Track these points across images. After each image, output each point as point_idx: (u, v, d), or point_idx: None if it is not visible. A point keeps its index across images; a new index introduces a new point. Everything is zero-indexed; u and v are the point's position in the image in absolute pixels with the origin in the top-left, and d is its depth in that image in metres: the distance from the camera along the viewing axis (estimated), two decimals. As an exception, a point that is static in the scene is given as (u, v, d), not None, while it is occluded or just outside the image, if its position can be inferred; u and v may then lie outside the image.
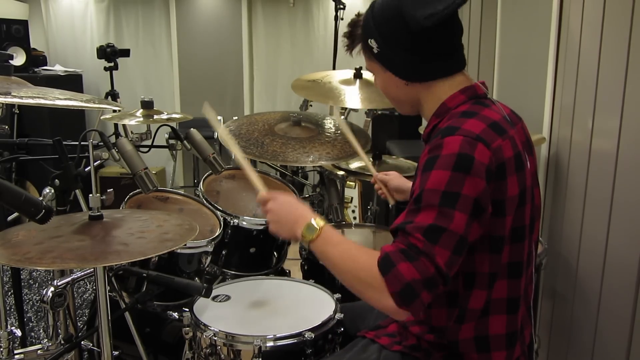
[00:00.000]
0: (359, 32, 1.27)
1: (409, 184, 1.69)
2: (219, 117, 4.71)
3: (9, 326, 1.60)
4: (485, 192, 1.08)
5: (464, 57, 1.26)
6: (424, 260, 1.02)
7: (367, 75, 2.46)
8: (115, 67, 3.86)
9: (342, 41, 1.34)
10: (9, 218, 1.98)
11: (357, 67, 2.47)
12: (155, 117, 2.20)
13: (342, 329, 1.53)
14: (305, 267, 2.02)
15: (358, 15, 1.29)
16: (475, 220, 1.07)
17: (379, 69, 1.26)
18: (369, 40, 1.23)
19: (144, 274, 1.55)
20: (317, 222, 1.18)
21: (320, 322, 1.48)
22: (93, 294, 2.61)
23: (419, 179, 1.10)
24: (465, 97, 1.21)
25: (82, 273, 1.43)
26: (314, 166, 3.09)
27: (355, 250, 1.14)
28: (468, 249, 1.09)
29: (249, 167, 1.43)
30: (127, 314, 1.66)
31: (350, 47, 1.32)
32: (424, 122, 1.33)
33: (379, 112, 3.78)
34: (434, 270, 1.02)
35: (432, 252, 1.02)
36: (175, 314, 1.59)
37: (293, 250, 2.19)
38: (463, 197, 1.05)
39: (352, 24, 1.30)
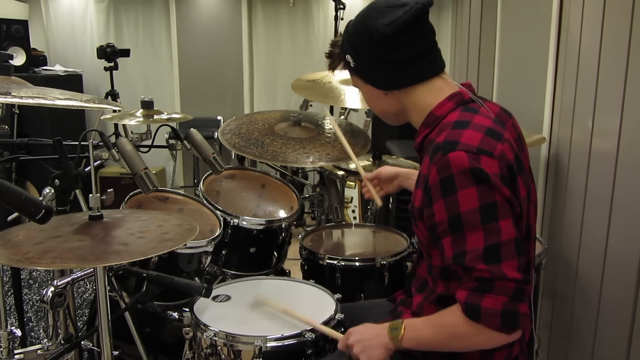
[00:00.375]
0: (337, 51, 1.32)
1: (397, 168, 1.69)
2: (219, 117, 4.72)
3: (9, 326, 1.60)
4: (511, 195, 1.10)
5: (440, 61, 1.27)
6: (499, 284, 1.05)
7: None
8: (115, 67, 3.86)
9: (324, 61, 1.40)
10: (9, 218, 1.98)
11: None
12: (155, 117, 2.20)
13: (342, 329, 1.53)
14: (305, 267, 2.02)
15: (339, 35, 1.34)
16: (518, 218, 1.12)
17: (360, 82, 1.31)
18: (346, 56, 1.28)
19: (144, 274, 1.55)
20: (396, 321, 1.21)
21: (320, 322, 1.48)
22: (93, 294, 2.61)
23: (442, 203, 1.10)
24: (453, 104, 1.22)
25: (82, 273, 1.43)
26: (314, 166, 3.09)
27: (438, 319, 1.17)
28: None
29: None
30: (127, 314, 1.66)
31: (331, 66, 1.37)
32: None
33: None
34: (514, 284, 1.05)
35: (501, 273, 1.05)
36: (175, 314, 1.59)
37: (293, 250, 2.19)
38: (499, 204, 1.07)
39: (333, 44, 1.35)
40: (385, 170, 1.69)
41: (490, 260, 1.05)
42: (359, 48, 1.24)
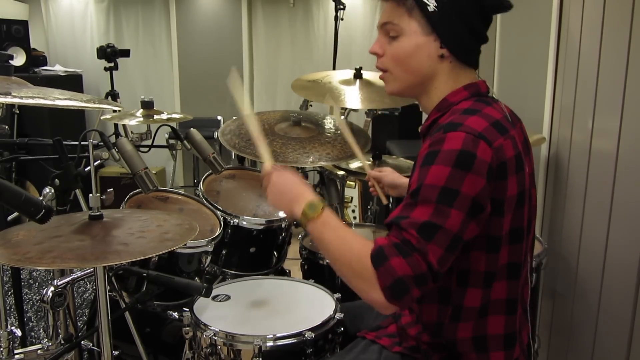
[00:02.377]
0: None
1: (403, 179, 1.68)
2: (219, 117, 4.72)
3: (9, 326, 1.60)
4: (484, 191, 1.07)
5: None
6: (417, 257, 1.02)
7: (367, 75, 2.46)
8: (115, 67, 3.86)
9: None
10: (9, 218, 1.98)
11: (357, 67, 2.47)
12: (155, 117, 2.20)
13: (342, 329, 1.53)
14: (305, 267, 2.02)
15: None
16: (472, 219, 1.07)
17: (418, 30, 1.16)
18: None
19: (144, 274, 1.55)
20: (319, 202, 1.16)
21: (320, 322, 1.48)
22: (93, 294, 2.61)
23: (417, 172, 1.09)
24: (468, 94, 1.20)
25: (82, 273, 1.43)
26: (314, 166, 3.09)
27: (351, 237, 1.13)
28: (463, 247, 1.09)
29: (259, 136, 1.37)
30: (127, 314, 1.66)
31: None
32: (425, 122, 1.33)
33: (379, 112, 3.78)
34: (426, 267, 1.02)
35: (425, 249, 1.02)
36: (175, 314, 1.59)
37: (293, 250, 2.19)
38: (461, 195, 1.05)
39: None
40: (388, 176, 1.70)
41: (423, 234, 1.03)
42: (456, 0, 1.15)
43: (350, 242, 1.12)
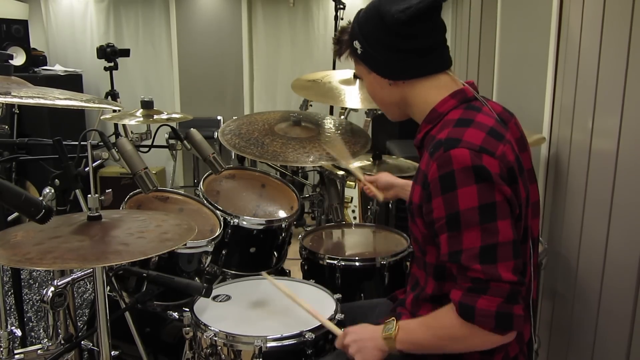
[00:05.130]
0: (346, 38, 1.30)
1: (397, 180, 1.71)
2: (219, 117, 4.72)
3: (9, 326, 1.60)
4: (512, 196, 1.09)
5: (448, 57, 1.27)
6: (494, 285, 1.05)
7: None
8: (115, 67, 3.86)
9: (332, 47, 1.39)
10: (9, 218, 1.98)
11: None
12: (155, 117, 2.20)
13: (342, 329, 1.53)
14: (305, 267, 2.02)
15: (348, 22, 1.33)
16: (516, 220, 1.11)
17: (365, 71, 1.29)
18: (354, 42, 1.27)
19: (144, 274, 1.55)
20: (388, 324, 1.21)
21: (320, 322, 1.48)
22: (93, 294, 2.61)
23: (441, 200, 1.10)
24: (456, 102, 1.21)
25: (82, 273, 1.43)
26: (314, 166, 3.09)
27: (433, 320, 1.16)
28: None
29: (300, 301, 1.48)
30: (127, 314, 1.66)
31: (338, 53, 1.35)
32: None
33: (379, 112, 3.77)
34: (509, 286, 1.05)
35: (497, 274, 1.05)
36: (175, 314, 1.59)
37: (293, 250, 2.19)
38: (499, 204, 1.07)
39: (342, 31, 1.34)
40: (383, 177, 1.73)
41: (486, 260, 1.05)
42: (369, 34, 1.23)
43: (436, 325, 1.15)
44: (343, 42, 1.32)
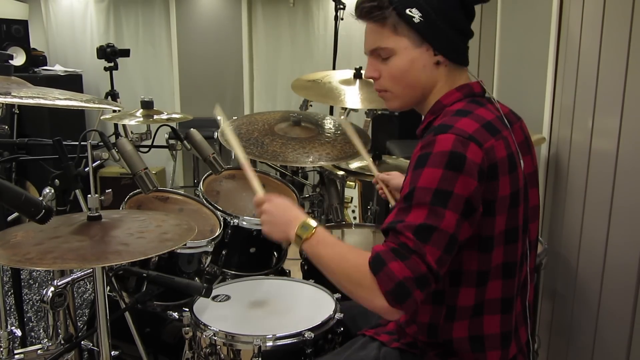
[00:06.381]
0: (387, 4, 1.15)
1: None
2: (219, 117, 4.71)
3: (9, 326, 1.60)
4: (476, 192, 1.07)
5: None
6: (415, 259, 1.02)
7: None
8: (115, 67, 3.86)
9: (363, 10, 1.20)
10: (9, 218, 1.98)
11: (357, 67, 2.47)
12: (155, 117, 2.20)
13: (342, 329, 1.53)
14: (305, 267, 2.02)
15: None
16: (466, 220, 1.07)
17: (408, 45, 1.17)
18: (407, 10, 1.14)
19: (144, 274, 1.55)
20: (312, 222, 1.18)
21: (320, 322, 1.48)
22: (93, 294, 2.61)
23: (409, 176, 1.10)
24: (461, 95, 1.21)
25: (82, 273, 1.43)
26: (313, 166, 3.09)
27: (347, 250, 1.14)
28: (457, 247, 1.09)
29: (249, 168, 1.43)
30: (127, 314, 1.66)
31: (369, 13, 1.17)
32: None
33: (379, 112, 3.78)
34: (425, 268, 1.02)
35: (422, 251, 1.02)
36: (175, 314, 1.59)
37: (293, 250, 2.18)
38: (455, 196, 1.05)
39: None
40: (396, 179, 1.71)
41: (420, 236, 1.03)
42: (437, 5, 1.14)
43: (347, 254, 1.12)
44: (384, 5, 1.15)
